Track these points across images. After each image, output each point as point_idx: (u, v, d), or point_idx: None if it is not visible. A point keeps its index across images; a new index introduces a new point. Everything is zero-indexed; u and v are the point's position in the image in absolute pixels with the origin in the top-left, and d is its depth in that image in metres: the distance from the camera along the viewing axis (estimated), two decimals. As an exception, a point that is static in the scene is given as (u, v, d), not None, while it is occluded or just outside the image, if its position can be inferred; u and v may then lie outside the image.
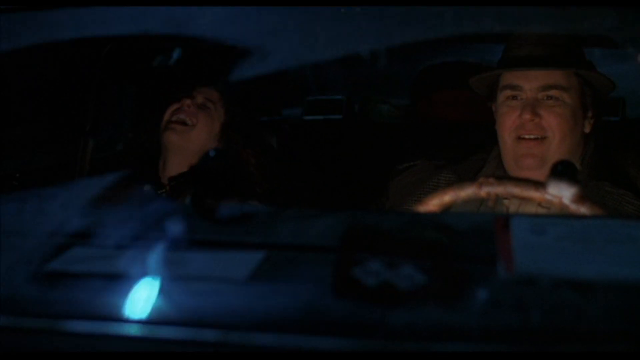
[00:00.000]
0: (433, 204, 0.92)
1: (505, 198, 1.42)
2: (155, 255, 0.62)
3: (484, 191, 0.89)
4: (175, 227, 0.72)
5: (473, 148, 1.73)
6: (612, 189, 1.37)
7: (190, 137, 1.73)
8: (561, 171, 0.83)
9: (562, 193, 0.81)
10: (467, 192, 0.90)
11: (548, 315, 0.48)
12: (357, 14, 1.38)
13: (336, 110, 3.38)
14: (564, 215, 0.82)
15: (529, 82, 1.42)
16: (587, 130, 1.45)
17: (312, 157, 2.46)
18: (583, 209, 0.81)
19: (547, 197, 0.82)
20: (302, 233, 0.68)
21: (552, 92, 1.40)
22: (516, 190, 0.88)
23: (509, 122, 1.42)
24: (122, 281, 0.57)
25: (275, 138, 2.34)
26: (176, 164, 1.75)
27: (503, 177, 1.20)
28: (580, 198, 0.81)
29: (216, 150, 1.73)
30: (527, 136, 1.40)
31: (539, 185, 0.84)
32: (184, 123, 1.73)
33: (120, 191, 1.83)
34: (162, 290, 0.55)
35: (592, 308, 0.50)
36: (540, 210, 1.33)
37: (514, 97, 1.43)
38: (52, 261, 0.62)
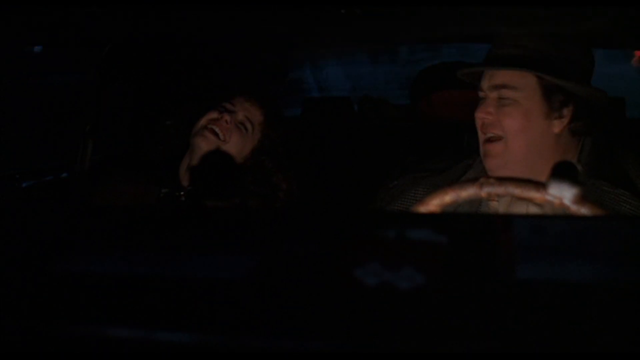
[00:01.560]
0: (434, 204, 0.92)
1: (495, 199, 1.43)
2: (155, 256, 0.62)
3: (484, 191, 0.89)
4: (177, 228, 0.72)
5: (467, 151, 1.74)
6: (610, 188, 1.38)
7: (217, 149, 1.72)
8: (562, 172, 0.83)
9: (563, 194, 0.81)
10: (468, 192, 0.90)
11: (547, 315, 0.49)
12: (357, 14, 1.38)
13: (335, 110, 3.39)
14: (564, 215, 0.82)
15: (486, 81, 1.49)
16: (556, 130, 1.46)
17: (311, 157, 2.46)
18: (584, 210, 0.81)
19: (548, 197, 0.82)
20: (302, 233, 0.68)
21: (504, 92, 1.47)
22: (517, 190, 0.88)
23: (478, 122, 1.51)
24: (122, 282, 0.57)
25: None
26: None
27: (504, 177, 1.20)
28: (581, 199, 0.81)
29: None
30: (489, 135, 1.47)
31: (540, 185, 0.84)
32: (216, 135, 1.72)
33: (137, 187, 1.84)
34: (161, 291, 0.55)
35: (592, 308, 0.50)
36: (531, 210, 1.33)
37: (481, 98, 1.52)
38: (53, 261, 0.63)
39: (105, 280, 0.58)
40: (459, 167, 1.60)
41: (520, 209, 1.39)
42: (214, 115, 1.73)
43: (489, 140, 1.50)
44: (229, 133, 1.71)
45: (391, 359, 0.45)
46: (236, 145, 1.72)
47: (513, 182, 0.90)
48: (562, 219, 0.78)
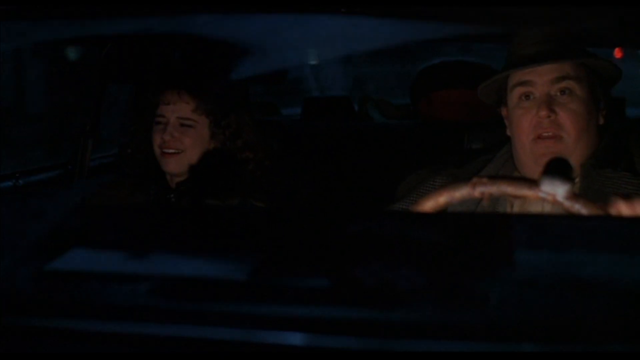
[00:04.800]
0: (428, 206, 0.91)
1: (506, 198, 1.41)
2: (155, 256, 0.62)
3: (477, 191, 0.88)
4: (175, 228, 0.72)
5: (476, 150, 1.73)
6: (613, 173, 1.37)
7: (184, 162, 1.72)
8: (554, 168, 0.83)
9: (556, 190, 0.80)
10: (461, 192, 0.89)
11: (548, 315, 0.49)
12: (357, 14, 1.37)
13: (336, 109, 3.39)
14: (564, 215, 0.82)
15: (541, 76, 1.40)
16: (601, 122, 1.44)
17: (311, 157, 2.46)
18: (577, 206, 0.81)
19: (541, 194, 0.82)
20: (302, 233, 0.68)
21: (565, 83, 1.39)
22: (509, 189, 0.87)
23: (526, 122, 1.40)
24: (122, 281, 0.57)
25: (275, 138, 2.34)
26: (180, 176, 1.75)
27: (496, 176, 1.19)
28: (574, 195, 0.81)
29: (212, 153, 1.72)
30: (545, 134, 1.39)
31: (532, 183, 0.84)
32: (173, 153, 1.72)
33: (124, 192, 1.83)
34: (161, 291, 0.55)
35: (592, 308, 0.50)
36: (546, 208, 1.32)
37: (527, 96, 1.42)
38: (52, 261, 0.62)
39: (105, 280, 0.58)
40: (478, 161, 1.56)
41: (536, 207, 1.38)
42: (157, 138, 1.72)
43: (545, 138, 1.40)
44: (181, 142, 1.71)
45: (391, 358, 0.45)
46: (194, 146, 1.72)
47: (506, 180, 0.89)
48: (562, 219, 0.78)
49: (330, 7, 1.31)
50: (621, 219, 0.84)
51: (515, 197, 0.91)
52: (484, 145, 1.70)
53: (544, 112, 1.37)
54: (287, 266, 0.59)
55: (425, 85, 2.90)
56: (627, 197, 0.90)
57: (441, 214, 0.90)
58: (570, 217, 0.79)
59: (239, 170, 1.73)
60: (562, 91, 1.39)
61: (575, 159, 1.38)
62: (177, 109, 1.72)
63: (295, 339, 0.47)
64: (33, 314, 0.52)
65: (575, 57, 1.41)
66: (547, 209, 1.32)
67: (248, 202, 1.66)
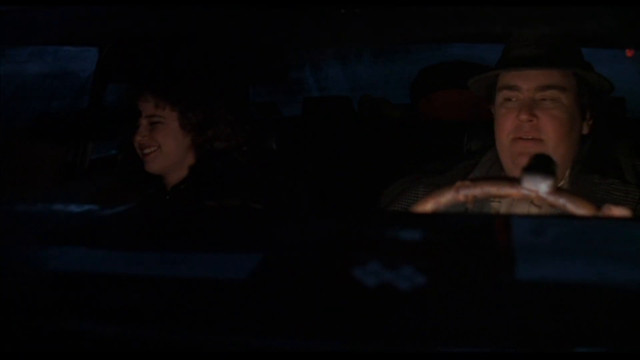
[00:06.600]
0: None
1: (493, 199, 1.42)
2: (155, 256, 0.62)
3: (461, 194, 0.88)
4: (176, 228, 0.72)
5: (468, 151, 1.73)
6: (600, 180, 1.37)
7: (163, 158, 1.72)
8: (536, 164, 0.83)
9: (538, 186, 0.80)
10: (446, 198, 0.89)
11: (547, 315, 0.49)
12: (357, 13, 1.37)
13: (335, 110, 3.38)
14: (563, 215, 0.82)
15: (526, 82, 1.41)
16: (585, 132, 1.44)
17: (312, 157, 2.46)
18: (562, 200, 0.81)
19: (523, 192, 0.81)
20: (302, 233, 0.68)
21: (550, 93, 1.39)
22: (492, 189, 0.87)
23: (507, 123, 1.42)
24: (122, 282, 0.57)
25: (275, 138, 2.34)
26: (173, 176, 1.75)
27: (478, 178, 1.19)
28: (558, 189, 0.81)
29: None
30: (524, 136, 1.40)
31: (514, 181, 0.84)
32: (150, 152, 1.72)
33: (122, 192, 1.83)
34: (161, 292, 0.55)
35: (592, 308, 0.50)
36: (532, 210, 1.33)
37: (511, 99, 1.43)
38: (52, 261, 0.63)
39: (105, 280, 0.58)
40: (461, 167, 1.56)
41: (522, 209, 1.38)
42: (135, 141, 1.73)
43: (524, 139, 1.41)
44: (152, 138, 1.71)
45: (391, 359, 0.45)
46: (167, 139, 1.72)
47: (487, 181, 0.89)
48: (562, 219, 0.78)
49: (330, 7, 1.31)
50: (621, 219, 0.84)
51: (499, 196, 0.90)
52: (484, 146, 1.70)
53: (524, 116, 1.38)
54: (287, 266, 0.59)
55: (425, 86, 2.90)
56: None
57: (440, 214, 0.90)
58: (570, 217, 0.79)
59: (235, 171, 1.73)
60: (546, 98, 1.40)
61: (562, 168, 1.39)
62: (144, 109, 1.73)
63: (295, 340, 0.47)
64: (33, 314, 0.52)
65: (564, 66, 1.41)
66: (533, 209, 1.32)
67: (245, 203, 1.66)
